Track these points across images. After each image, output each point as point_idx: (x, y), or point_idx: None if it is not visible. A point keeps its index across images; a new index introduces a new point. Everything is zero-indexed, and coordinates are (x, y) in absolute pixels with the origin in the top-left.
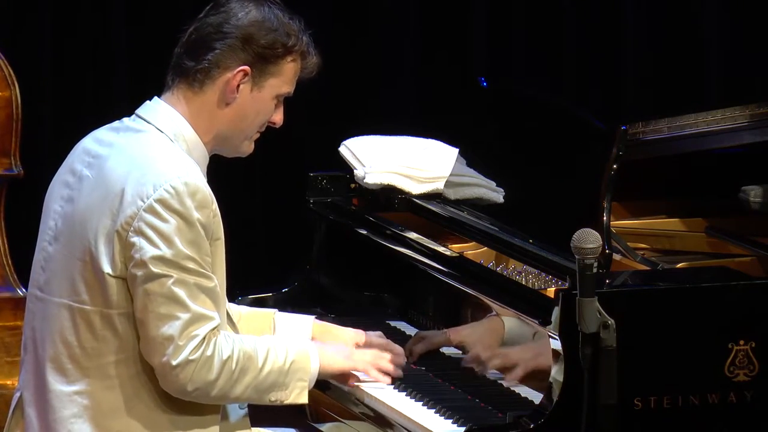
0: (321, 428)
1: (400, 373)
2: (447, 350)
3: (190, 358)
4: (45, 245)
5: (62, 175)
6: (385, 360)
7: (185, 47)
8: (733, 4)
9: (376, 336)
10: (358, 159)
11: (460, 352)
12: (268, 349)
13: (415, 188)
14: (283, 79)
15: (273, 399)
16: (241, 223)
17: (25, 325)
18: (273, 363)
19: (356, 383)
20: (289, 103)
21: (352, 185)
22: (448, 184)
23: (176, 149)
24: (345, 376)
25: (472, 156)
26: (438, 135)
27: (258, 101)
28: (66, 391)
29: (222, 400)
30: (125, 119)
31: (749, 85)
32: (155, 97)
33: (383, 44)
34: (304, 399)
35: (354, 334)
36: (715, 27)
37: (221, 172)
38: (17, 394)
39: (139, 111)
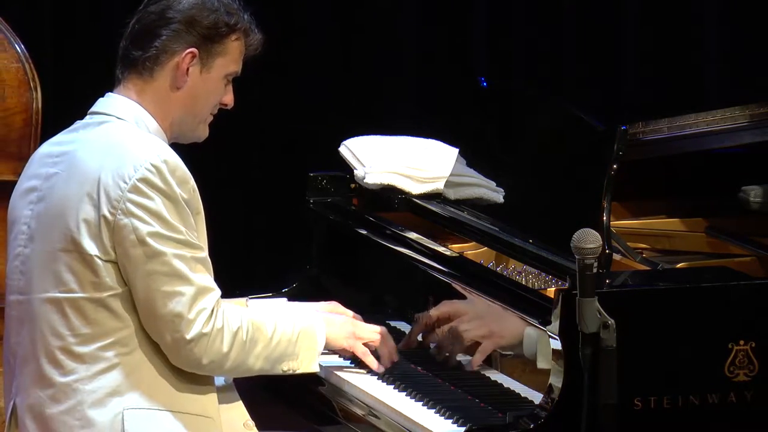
0: (320, 429)
1: (395, 357)
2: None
3: (203, 331)
4: (20, 250)
5: (24, 184)
6: (384, 347)
7: (130, 39)
8: (734, 4)
9: (352, 314)
10: (358, 159)
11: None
12: (275, 320)
13: (415, 188)
14: (230, 58)
15: (285, 369)
16: (242, 223)
17: (8, 334)
18: (282, 333)
19: (354, 383)
20: (289, 103)
21: (352, 185)
22: (448, 184)
23: (143, 132)
24: (344, 352)
25: (472, 156)
26: (438, 135)
27: (208, 82)
28: (66, 382)
29: (235, 372)
30: (80, 121)
31: (749, 85)
32: (108, 93)
33: (383, 44)
34: (315, 367)
35: (327, 306)
36: (715, 27)
37: (221, 171)
38: (11, 403)
39: (94, 108)
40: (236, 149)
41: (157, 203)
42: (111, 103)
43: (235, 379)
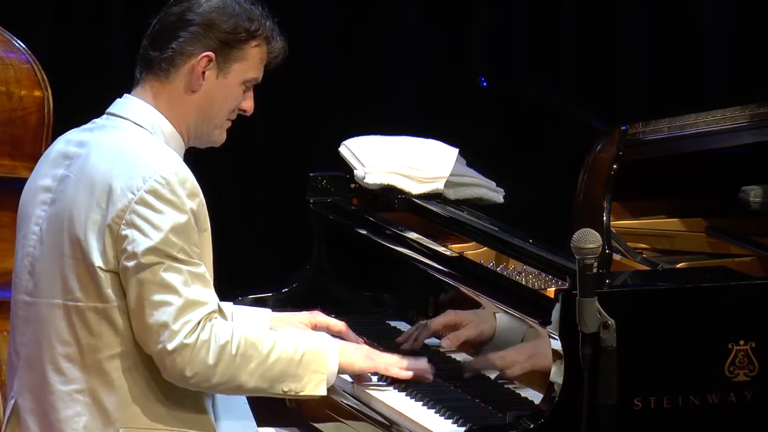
0: (321, 428)
1: (425, 367)
2: (446, 350)
3: (185, 342)
4: (30, 250)
5: (38, 181)
6: (406, 360)
7: (150, 39)
8: (734, 4)
9: (334, 322)
10: (358, 159)
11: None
12: (275, 338)
13: (415, 188)
14: (249, 64)
15: (286, 389)
16: (242, 223)
17: (13, 333)
18: (281, 352)
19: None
20: (289, 103)
21: (352, 185)
22: (448, 184)
23: (156, 141)
24: (364, 376)
25: (472, 156)
26: (438, 135)
27: (224, 87)
28: (67, 390)
29: (226, 387)
30: (96, 120)
31: (749, 85)
32: (125, 94)
33: (384, 44)
34: (322, 391)
35: (308, 315)
36: (715, 27)
37: (221, 171)
38: (11, 402)
39: (110, 109)
40: (236, 149)
41: (163, 216)
42: (128, 106)
43: None
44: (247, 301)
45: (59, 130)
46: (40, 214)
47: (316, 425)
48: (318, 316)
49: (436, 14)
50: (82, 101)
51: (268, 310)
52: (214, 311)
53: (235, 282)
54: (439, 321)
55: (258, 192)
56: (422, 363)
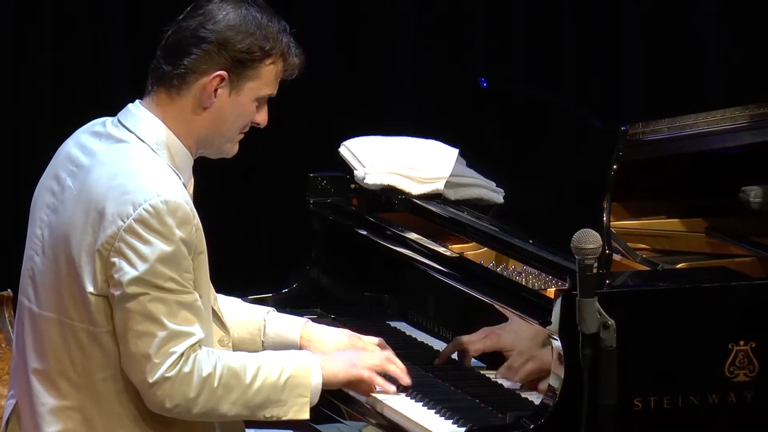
0: (320, 429)
1: (407, 379)
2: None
3: (167, 375)
4: (32, 254)
5: (47, 180)
6: (392, 365)
7: (163, 51)
8: (734, 5)
9: (372, 342)
10: (358, 159)
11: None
12: (258, 365)
13: (415, 188)
14: (263, 81)
15: (268, 416)
16: (242, 224)
17: (16, 331)
18: (264, 379)
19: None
20: (289, 103)
21: (352, 185)
22: (448, 184)
23: (158, 161)
24: (351, 385)
25: (472, 156)
26: (438, 135)
27: (237, 105)
28: (59, 406)
29: (206, 417)
30: (108, 122)
31: (749, 85)
32: (137, 102)
33: (383, 44)
34: (304, 415)
35: (348, 339)
36: (715, 27)
37: (221, 172)
38: (12, 402)
39: (121, 117)
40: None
41: (151, 246)
42: (136, 118)
43: None
44: (248, 302)
45: (61, 127)
46: (43, 218)
47: (314, 425)
48: (355, 341)
49: (436, 14)
50: (84, 101)
51: (302, 321)
52: (199, 342)
53: (235, 282)
54: (477, 348)
55: (258, 192)
56: (403, 369)
